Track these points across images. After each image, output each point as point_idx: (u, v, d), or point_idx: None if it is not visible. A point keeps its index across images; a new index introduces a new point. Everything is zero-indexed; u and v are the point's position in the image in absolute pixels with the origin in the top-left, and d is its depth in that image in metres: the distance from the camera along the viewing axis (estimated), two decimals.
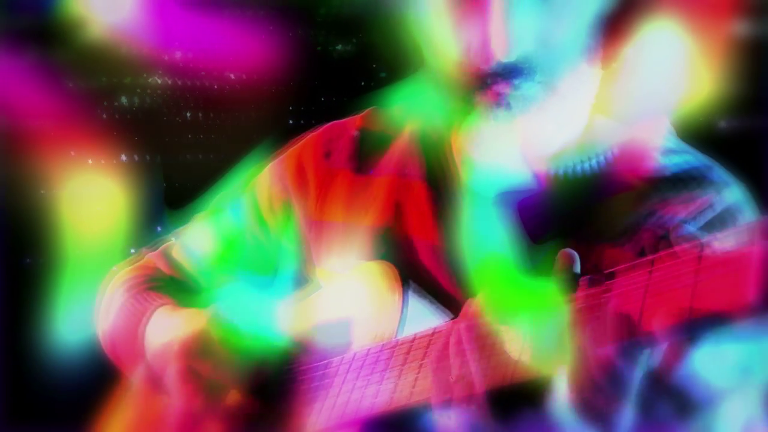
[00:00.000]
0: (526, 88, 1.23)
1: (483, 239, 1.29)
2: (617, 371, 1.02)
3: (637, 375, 1.03)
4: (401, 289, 1.29)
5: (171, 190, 2.25)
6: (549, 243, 1.25)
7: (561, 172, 1.31)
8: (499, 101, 1.24)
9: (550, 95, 1.25)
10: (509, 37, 1.22)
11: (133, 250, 2.24)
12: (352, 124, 1.52)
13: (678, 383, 1.10)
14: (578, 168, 1.31)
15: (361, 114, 1.53)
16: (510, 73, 1.23)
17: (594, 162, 1.31)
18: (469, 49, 1.24)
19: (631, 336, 1.00)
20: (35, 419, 2.29)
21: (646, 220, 1.24)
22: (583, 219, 1.27)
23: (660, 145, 1.30)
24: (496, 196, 1.31)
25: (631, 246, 1.22)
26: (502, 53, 1.22)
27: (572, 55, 1.25)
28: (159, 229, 2.26)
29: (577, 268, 1.07)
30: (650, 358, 1.07)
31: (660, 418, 1.11)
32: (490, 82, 1.24)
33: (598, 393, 1.03)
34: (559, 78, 1.25)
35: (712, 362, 1.08)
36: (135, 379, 1.48)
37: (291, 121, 2.47)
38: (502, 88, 1.24)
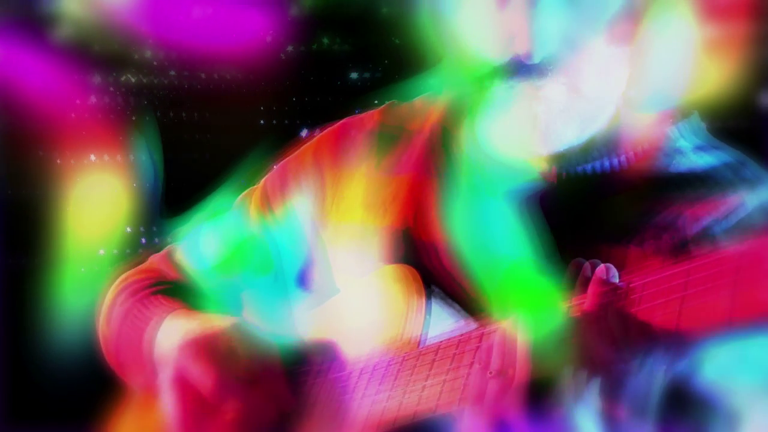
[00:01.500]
0: (549, 87, 1.21)
1: (504, 240, 1.24)
2: (637, 380, 1.01)
3: (658, 384, 1.02)
4: (424, 293, 1.24)
5: (168, 191, 2.22)
6: (570, 243, 1.21)
7: (585, 169, 1.27)
8: (523, 99, 1.22)
9: (573, 94, 1.22)
10: (534, 38, 1.19)
11: (128, 251, 2.22)
12: (369, 119, 1.46)
13: (702, 391, 1.08)
14: (603, 165, 1.27)
15: (379, 108, 1.47)
16: (533, 72, 1.21)
17: (619, 159, 1.27)
18: (495, 46, 1.22)
19: (662, 343, 0.98)
20: (35, 419, 2.24)
21: (674, 221, 1.20)
22: (606, 218, 1.23)
23: (690, 142, 1.27)
24: (518, 195, 1.27)
25: (657, 248, 1.18)
26: (527, 54, 1.20)
27: (597, 53, 1.22)
28: (156, 229, 2.22)
29: (615, 277, 1.05)
30: (674, 366, 1.05)
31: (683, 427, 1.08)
32: (513, 80, 1.21)
33: (617, 402, 1.02)
34: (583, 76, 1.22)
35: (740, 369, 1.06)
36: (141, 388, 1.41)
37: (286, 121, 2.44)
38: (525, 86, 1.21)
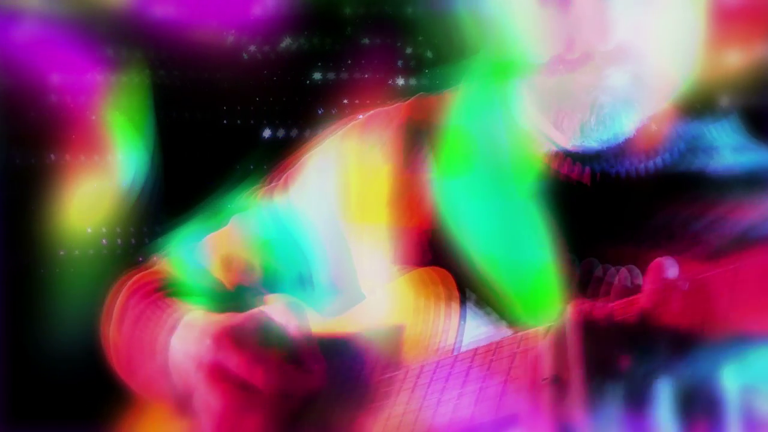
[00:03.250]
0: (615, 78, 1.15)
1: (536, 244, 1.19)
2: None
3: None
4: (459, 298, 1.18)
5: (169, 191, 2.19)
6: (604, 246, 1.16)
7: (620, 170, 1.22)
8: (585, 96, 1.16)
9: (637, 89, 1.17)
10: (605, 24, 1.13)
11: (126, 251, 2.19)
12: (396, 112, 1.37)
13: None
14: (640, 166, 1.22)
15: (408, 101, 1.39)
16: (600, 64, 1.15)
17: (655, 160, 1.23)
18: (552, 36, 1.15)
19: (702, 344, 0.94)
20: (35, 419, 2.20)
21: (712, 223, 1.17)
22: (641, 221, 1.18)
23: (728, 142, 1.24)
24: (554, 197, 1.22)
25: (695, 251, 1.13)
26: (596, 41, 1.13)
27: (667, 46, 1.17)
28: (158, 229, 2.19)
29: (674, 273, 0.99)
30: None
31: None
32: (573, 74, 1.15)
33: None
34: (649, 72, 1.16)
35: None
36: (152, 397, 1.33)
37: (252, 121, 2.42)
38: (589, 80, 1.15)
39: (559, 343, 1.01)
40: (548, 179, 1.24)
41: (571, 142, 1.20)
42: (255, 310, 1.23)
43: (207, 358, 1.20)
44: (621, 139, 1.19)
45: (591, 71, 1.15)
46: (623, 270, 1.06)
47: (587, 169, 1.22)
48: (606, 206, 1.21)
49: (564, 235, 1.18)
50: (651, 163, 1.23)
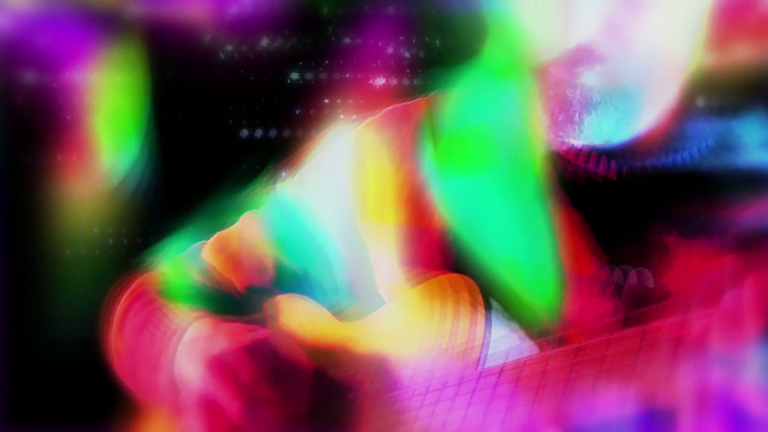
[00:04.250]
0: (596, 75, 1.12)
1: (551, 245, 1.16)
2: None
3: None
4: (484, 308, 1.13)
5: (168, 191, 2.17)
6: (628, 242, 1.14)
7: (646, 165, 1.19)
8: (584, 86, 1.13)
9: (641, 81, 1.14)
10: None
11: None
12: (415, 109, 1.34)
13: None
14: (665, 161, 1.20)
15: (425, 97, 1.35)
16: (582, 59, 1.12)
17: (682, 155, 1.20)
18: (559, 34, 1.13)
19: None
20: (35, 419, 2.17)
21: (740, 220, 1.13)
22: (666, 217, 1.15)
23: (755, 138, 1.22)
24: (577, 195, 1.19)
25: (721, 248, 1.11)
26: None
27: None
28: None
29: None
30: None
31: None
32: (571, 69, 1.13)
33: None
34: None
35: None
36: (157, 406, 1.29)
37: (231, 121, 2.40)
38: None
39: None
40: (572, 176, 1.21)
41: (586, 138, 1.17)
42: (256, 337, 1.20)
43: (197, 385, 1.19)
44: (635, 135, 1.17)
45: (588, 68, 1.13)
46: (633, 272, 1.06)
47: (613, 164, 1.20)
48: (631, 202, 1.18)
49: (591, 232, 1.16)
50: (677, 159, 1.21)
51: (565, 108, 1.16)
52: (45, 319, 2.09)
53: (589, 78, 1.13)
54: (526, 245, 1.19)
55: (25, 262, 2.19)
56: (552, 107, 1.17)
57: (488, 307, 1.14)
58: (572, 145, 1.19)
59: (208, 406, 1.17)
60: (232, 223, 1.42)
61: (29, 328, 2.12)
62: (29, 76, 2.16)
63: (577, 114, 1.15)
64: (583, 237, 1.16)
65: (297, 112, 2.32)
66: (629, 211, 1.17)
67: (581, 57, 1.13)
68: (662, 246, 1.13)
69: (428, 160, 1.29)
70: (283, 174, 1.44)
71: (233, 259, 1.37)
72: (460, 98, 1.32)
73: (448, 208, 1.25)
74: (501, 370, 1.08)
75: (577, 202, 1.18)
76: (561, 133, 1.18)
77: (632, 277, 1.05)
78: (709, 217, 1.14)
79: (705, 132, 1.21)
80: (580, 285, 1.13)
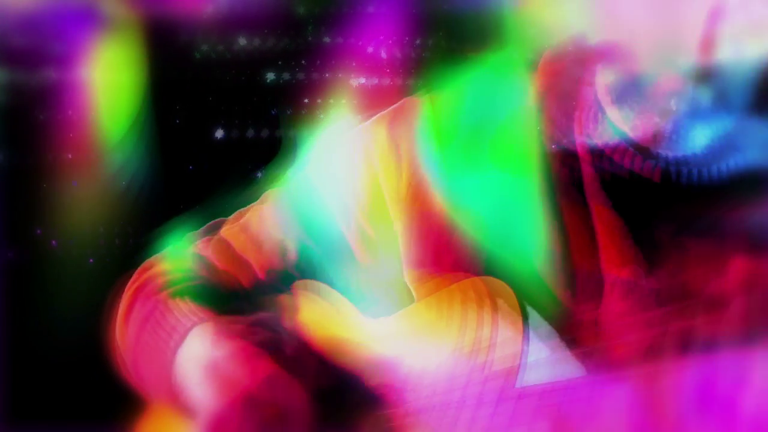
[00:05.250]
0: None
1: (602, 245, 1.13)
2: None
3: None
4: (521, 315, 1.07)
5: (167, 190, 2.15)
6: (669, 244, 1.12)
7: (692, 169, 1.16)
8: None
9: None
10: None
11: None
12: (419, 107, 1.31)
13: None
14: (716, 166, 1.16)
15: (429, 95, 1.32)
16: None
17: (732, 161, 1.16)
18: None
19: None
20: (35, 419, 2.15)
21: None
22: (719, 229, 1.11)
23: None
24: (616, 192, 1.16)
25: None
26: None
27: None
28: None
29: None
30: None
31: None
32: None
33: None
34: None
35: None
36: (163, 404, 1.27)
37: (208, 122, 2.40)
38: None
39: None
40: (612, 176, 1.17)
41: (609, 135, 1.16)
42: (261, 345, 1.17)
43: (199, 393, 1.18)
44: (689, 138, 1.15)
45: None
46: (669, 276, 1.04)
47: (656, 165, 1.16)
48: (673, 202, 1.15)
49: (630, 236, 1.13)
50: (724, 164, 1.16)
51: (584, 106, 1.15)
52: (45, 319, 2.07)
53: (609, 75, 1.12)
54: (535, 244, 1.16)
55: (25, 261, 2.16)
56: (571, 104, 1.16)
57: (525, 316, 1.09)
58: (607, 142, 1.16)
59: (210, 415, 1.17)
60: (242, 214, 1.39)
61: (29, 328, 2.10)
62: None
63: (599, 111, 1.15)
64: (619, 240, 1.13)
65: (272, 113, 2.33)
66: (668, 214, 1.14)
67: (599, 53, 1.12)
68: (701, 251, 1.10)
69: (434, 158, 1.27)
70: (284, 172, 1.42)
71: (254, 239, 1.34)
72: (463, 96, 1.30)
73: (460, 207, 1.23)
74: (543, 391, 1.02)
75: (618, 204, 1.16)
76: (585, 131, 1.16)
77: (667, 282, 1.04)
78: (753, 223, 1.11)
79: (751, 137, 1.17)
80: (614, 289, 1.10)
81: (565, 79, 1.18)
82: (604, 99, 1.17)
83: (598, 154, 1.18)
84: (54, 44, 2.10)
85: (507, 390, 1.03)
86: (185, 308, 1.27)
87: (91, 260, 2.09)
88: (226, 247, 1.35)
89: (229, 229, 1.37)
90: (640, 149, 1.17)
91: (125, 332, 1.33)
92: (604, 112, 1.17)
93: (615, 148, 1.18)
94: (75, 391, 1.97)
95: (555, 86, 1.20)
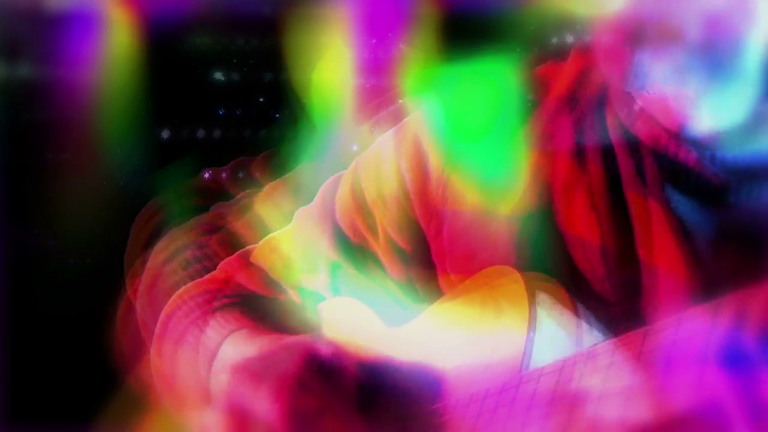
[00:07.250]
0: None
1: (655, 239, 1.09)
2: None
3: None
4: (528, 300, 1.03)
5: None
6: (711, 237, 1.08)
7: (739, 159, 1.09)
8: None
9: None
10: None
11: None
12: (419, 114, 1.28)
13: None
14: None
15: (427, 102, 1.29)
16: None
17: None
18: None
19: None
20: (35, 419, 2.16)
21: None
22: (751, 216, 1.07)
23: None
24: (674, 186, 1.11)
25: None
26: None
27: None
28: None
29: None
30: None
31: None
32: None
33: None
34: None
35: None
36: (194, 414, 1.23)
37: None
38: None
39: None
40: (658, 162, 1.12)
41: (683, 124, 1.08)
42: (296, 352, 1.15)
43: (230, 402, 1.16)
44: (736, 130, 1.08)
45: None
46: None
47: (701, 153, 1.10)
48: (714, 195, 1.10)
49: (684, 234, 1.08)
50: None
51: (620, 83, 1.10)
52: (45, 319, 2.08)
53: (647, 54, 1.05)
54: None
55: (25, 261, 2.17)
56: (627, 95, 1.11)
57: (533, 302, 1.04)
58: (665, 130, 1.10)
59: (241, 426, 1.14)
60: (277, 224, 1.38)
61: (29, 328, 2.10)
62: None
63: (633, 88, 1.08)
64: (671, 234, 1.10)
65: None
66: (722, 213, 1.10)
67: (636, 28, 1.05)
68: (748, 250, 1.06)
69: (459, 156, 1.24)
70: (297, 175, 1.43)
71: (285, 260, 1.33)
72: (460, 98, 1.27)
73: (525, 190, 1.18)
74: (540, 374, 0.98)
75: (674, 198, 1.11)
76: (644, 122, 1.11)
77: (716, 278, 1.00)
78: None
79: None
80: (662, 283, 1.08)
81: (614, 66, 1.11)
82: (655, 87, 1.09)
83: (656, 146, 1.13)
84: (54, 44, 2.11)
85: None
86: (223, 322, 1.25)
87: (88, 260, 2.10)
88: (258, 270, 1.33)
89: (260, 251, 1.36)
90: (694, 143, 1.11)
91: (163, 347, 1.30)
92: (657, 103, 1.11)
93: (669, 141, 1.12)
94: (75, 392, 1.98)
95: (608, 75, 1.15)
